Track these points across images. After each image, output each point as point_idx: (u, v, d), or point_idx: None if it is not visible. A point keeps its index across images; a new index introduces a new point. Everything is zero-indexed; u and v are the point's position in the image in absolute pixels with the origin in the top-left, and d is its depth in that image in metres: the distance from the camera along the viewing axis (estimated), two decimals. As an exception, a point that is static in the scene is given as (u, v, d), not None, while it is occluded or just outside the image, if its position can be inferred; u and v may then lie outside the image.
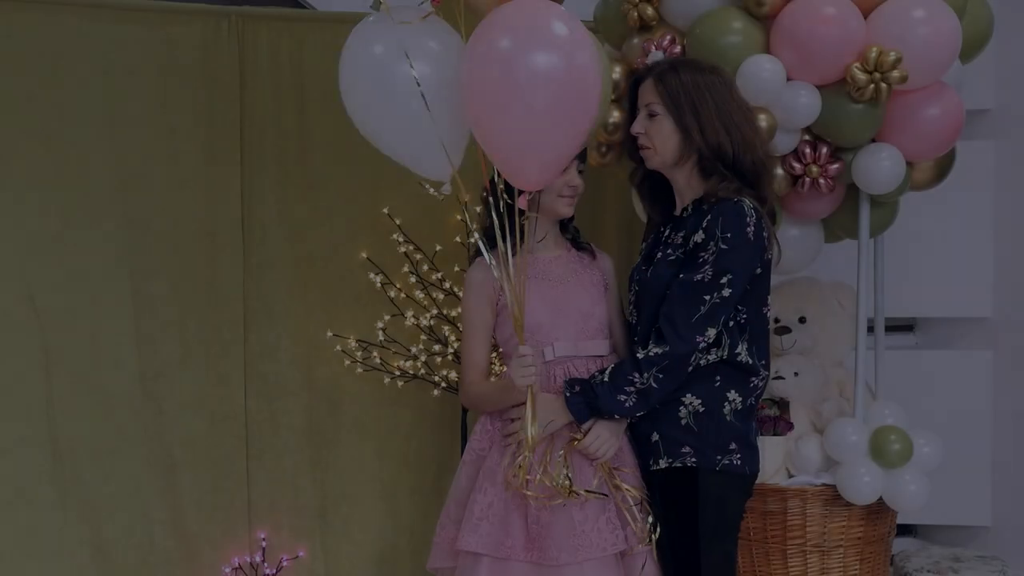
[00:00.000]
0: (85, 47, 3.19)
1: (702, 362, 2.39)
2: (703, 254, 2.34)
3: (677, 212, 2.51)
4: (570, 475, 2.38)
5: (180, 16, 3.29)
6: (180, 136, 3.30)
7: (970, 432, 3.74)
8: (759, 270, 2.40)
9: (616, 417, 2.42)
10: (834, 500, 2.80)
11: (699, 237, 2.36)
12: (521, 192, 2.35)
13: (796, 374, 2.99)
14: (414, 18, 2.32)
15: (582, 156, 2.52)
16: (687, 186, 2.48)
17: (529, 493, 2.37)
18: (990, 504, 3.80)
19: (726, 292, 2.34)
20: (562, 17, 2.22)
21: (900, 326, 3.93)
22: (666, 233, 2.51)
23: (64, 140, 3.19)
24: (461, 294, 2.89)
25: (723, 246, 2.33)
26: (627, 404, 2.37)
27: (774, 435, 2.86)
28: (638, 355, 2.37)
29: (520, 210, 2.37)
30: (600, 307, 2.57)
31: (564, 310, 2.50)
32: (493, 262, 2.41)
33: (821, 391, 3.02)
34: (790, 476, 2.86)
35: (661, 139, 2.44)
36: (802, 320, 3.08)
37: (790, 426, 2.91)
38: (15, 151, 3.14)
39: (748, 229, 2.34)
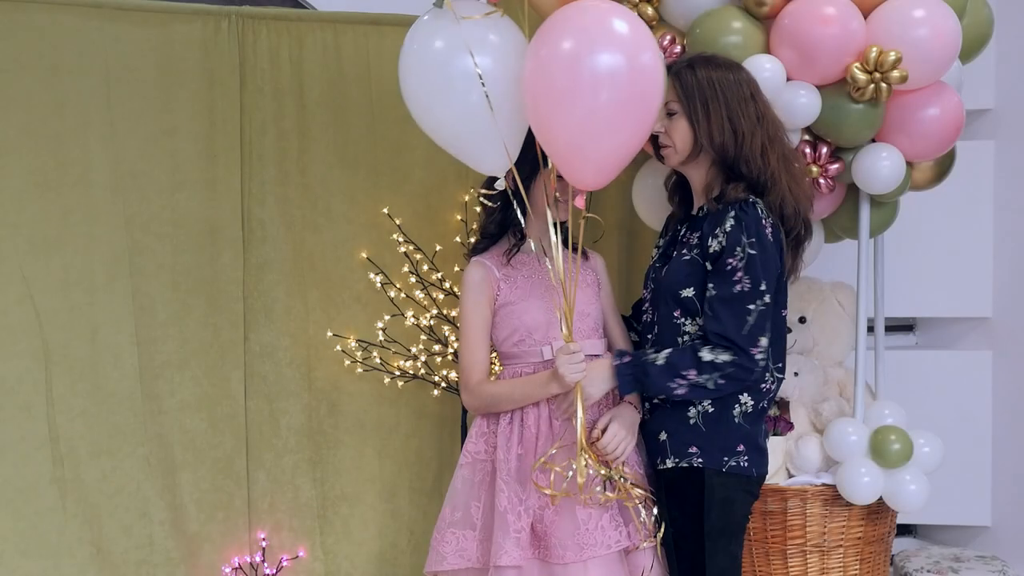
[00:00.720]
0: (85, 47, 3.19)
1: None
2: (731, 261, 2.33)
3: (694, 211, 2.51)
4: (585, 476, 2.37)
5: (180, 16, 3.28)
6: (180, 136, 3.29)
7: (970, 432, 3.74)
8: (778, 270, 2.40)
9: (639, 411, 2.46)
10: (834, 500, 2.80)
11: (718, 244, 2.34)
12: (578, 193, 2.35)
13: (796, 374, 2.99)
14: (477, 14, 2.30)
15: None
16: (702, 186, 2.48)
17: (553, 492, 2.35)
18: (990, 504, 3.80)
19: (767, 298, 2.34)
20: (625, 17, 2.22)
21: (900, 326, 3.93)
22: (682, 232, 2.51)
23: (64, 140, 3.18)
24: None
25: (751, 251, 2.32)
26: (677, 391, 2.36)
27: (774, 435, 2.86)
28: (701, 355, 2.33)
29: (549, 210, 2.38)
30: (594, 307, 2.57)
31: (561, 310, 2.51)
32: (551, 265, 2.40)
33: (821, 391, 3.02)
34: (790, 476, 2.86)
35: (679, 137, 2.44)
36: (802, 320, 3.08)
37: (790, 426, 2.91)
38: (15, 151, 3.14)
39: (767, 230, 2.35)
